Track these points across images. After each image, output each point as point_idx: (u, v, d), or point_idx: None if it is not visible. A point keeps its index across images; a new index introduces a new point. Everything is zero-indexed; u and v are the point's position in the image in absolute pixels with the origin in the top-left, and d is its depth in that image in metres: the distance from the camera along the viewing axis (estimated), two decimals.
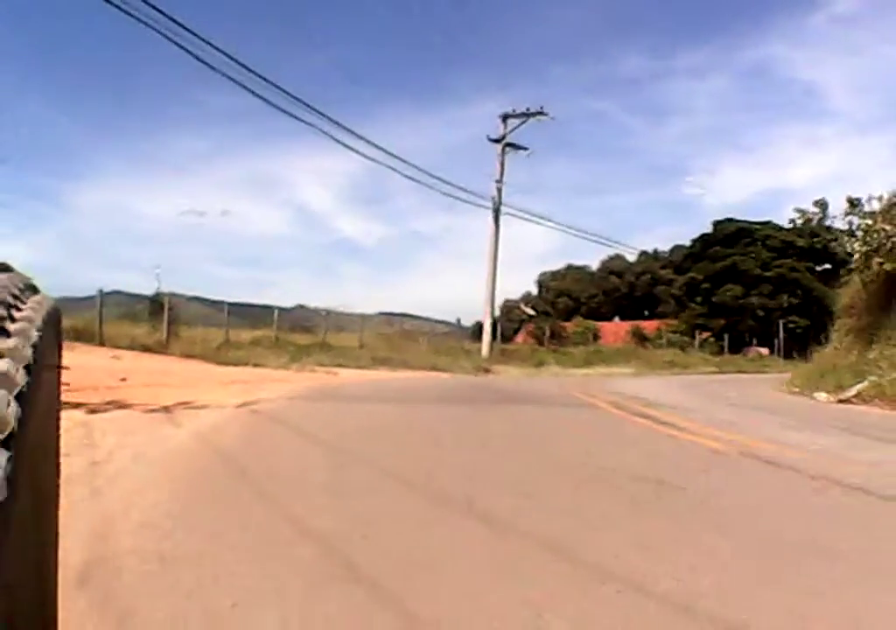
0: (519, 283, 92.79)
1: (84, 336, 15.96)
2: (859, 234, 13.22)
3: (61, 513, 0.77)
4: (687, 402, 10.73)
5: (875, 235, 12.41)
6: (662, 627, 2.18)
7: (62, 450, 0.82)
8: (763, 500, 4.03)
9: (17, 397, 0.48)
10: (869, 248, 12.51)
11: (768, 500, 4.04)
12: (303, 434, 6.15)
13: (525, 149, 29.26)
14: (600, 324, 49.70)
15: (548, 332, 38.83)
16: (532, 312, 59.75)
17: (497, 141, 29.02)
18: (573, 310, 62.31)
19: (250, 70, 19.60)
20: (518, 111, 29.04)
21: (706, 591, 2.44)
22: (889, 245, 12.12)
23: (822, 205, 26.78)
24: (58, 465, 0.74)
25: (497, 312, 33.97)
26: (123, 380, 9.70)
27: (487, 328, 28.51)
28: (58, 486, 0.70)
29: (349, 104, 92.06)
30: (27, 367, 0.53)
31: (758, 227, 50.58)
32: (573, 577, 2.60)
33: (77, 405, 6.76)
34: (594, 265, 66.95)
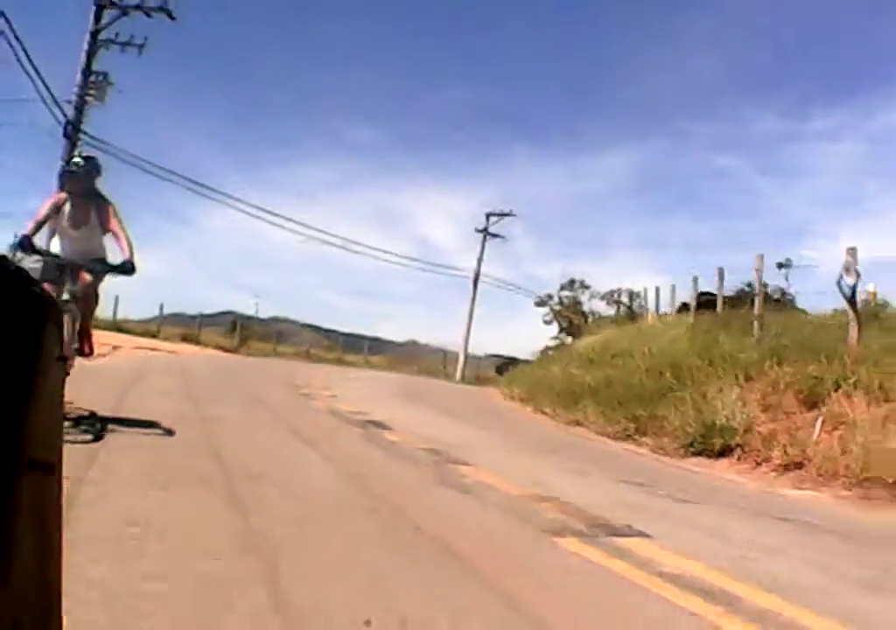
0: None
1: (188, 338, 29.45)
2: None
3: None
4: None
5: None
6: None
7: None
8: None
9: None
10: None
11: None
12: (227, 357, 18.73)
13: (502, 237, 41.49)
14: None
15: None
16: None
17: (481, 232, 41.39)
18: None
19: None
20: (496, 211, 41.48)
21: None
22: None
23: (549, 295, 41.19)
24: (59, 460, 0.68)
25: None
26: (200, 351, 22.68)
27: (461, 361, 40.30)
28: (60, 498, 0.63)
29: (480, 145, 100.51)
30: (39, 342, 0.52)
31: None
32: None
33: (176, 354, 19.60)
34: None
